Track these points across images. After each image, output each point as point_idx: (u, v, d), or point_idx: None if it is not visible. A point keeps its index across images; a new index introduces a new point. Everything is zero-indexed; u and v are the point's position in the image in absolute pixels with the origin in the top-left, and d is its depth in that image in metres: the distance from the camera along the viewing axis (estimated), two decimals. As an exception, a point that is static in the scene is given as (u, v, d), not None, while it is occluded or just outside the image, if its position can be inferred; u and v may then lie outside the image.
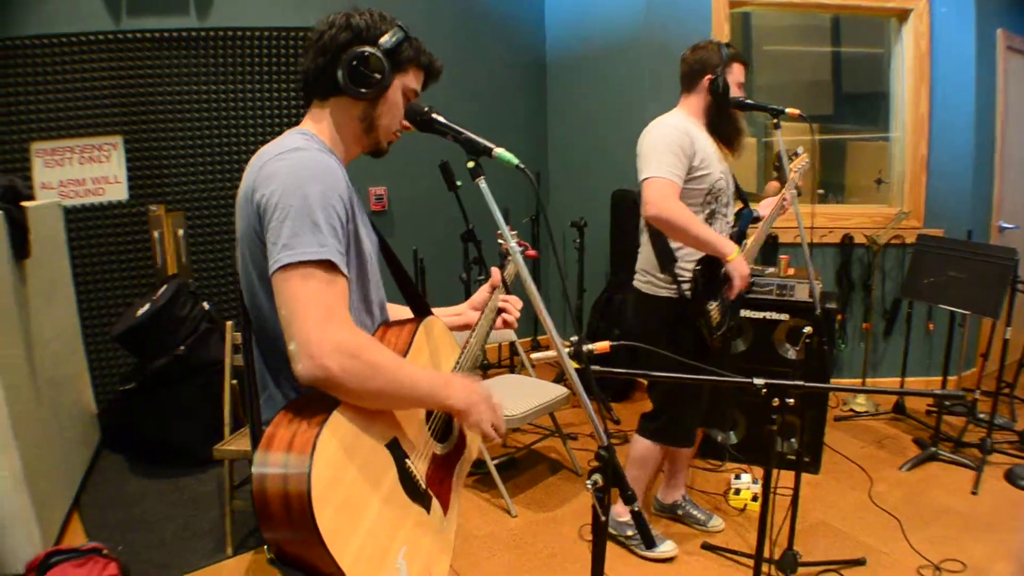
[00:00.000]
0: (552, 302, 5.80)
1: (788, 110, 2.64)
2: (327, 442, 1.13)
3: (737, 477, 3.42)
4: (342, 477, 1.14)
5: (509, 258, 1.93)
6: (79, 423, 3.69)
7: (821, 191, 4.83)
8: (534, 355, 1.66)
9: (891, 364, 4.76)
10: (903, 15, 4.55)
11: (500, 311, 1.77)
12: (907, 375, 4.66)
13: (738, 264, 2.59)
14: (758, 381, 1.56)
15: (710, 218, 2.70)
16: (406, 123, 1.48)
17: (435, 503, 1.41)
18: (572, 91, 5.43)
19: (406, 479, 1.31)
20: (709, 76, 2.66)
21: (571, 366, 1.38)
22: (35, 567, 2.43)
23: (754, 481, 3.37)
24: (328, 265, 1.19)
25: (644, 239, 2.81)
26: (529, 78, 5.60)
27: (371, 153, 1.50)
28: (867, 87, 5.00)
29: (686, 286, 2.65)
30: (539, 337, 5.79)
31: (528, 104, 5.63)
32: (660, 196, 2.51)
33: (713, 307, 2.66)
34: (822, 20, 4.94)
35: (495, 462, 3.47)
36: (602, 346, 1.56)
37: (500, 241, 2.04)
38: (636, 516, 1.32)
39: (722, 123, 2.71)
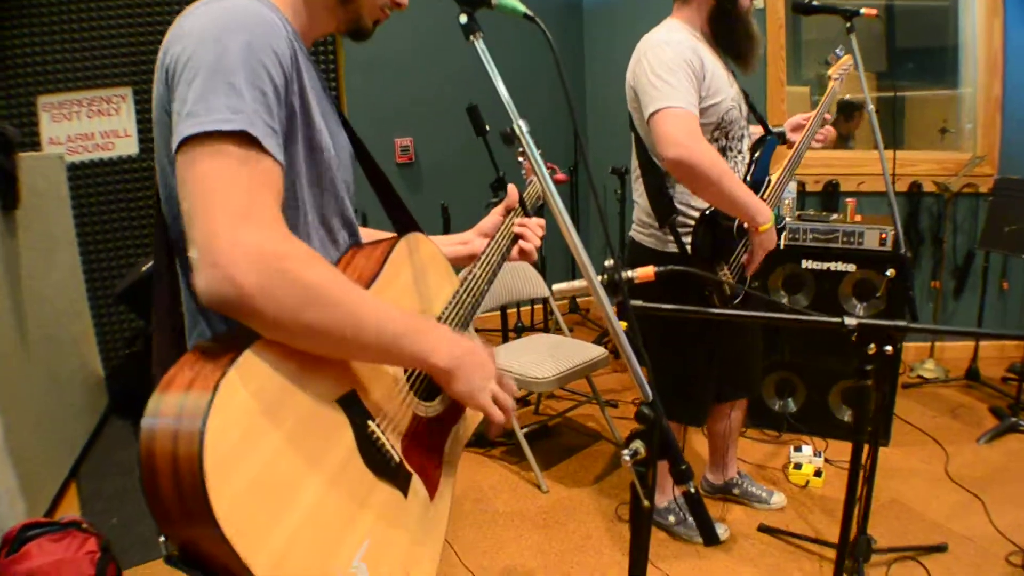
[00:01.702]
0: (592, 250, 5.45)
1: (864, 10, 2.18)
2: (233, 390, 0.80)
3: (797, 450, 3.04)
4: (257, 441, 0.82)
5: (532, 176, 1.59)
6: (83, 387, 3.49)
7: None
8: (557, 285, 1.31)
9: (964, 325, 4.29)
10: None
11: (517, 237, 1.42)
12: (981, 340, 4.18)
13: (767, 237, 2.15)
14: (849, 321, 1.20)
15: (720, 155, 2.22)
16: None
17: (416, 482, 1.08)
18: (609, 33, 5.04)
19: (369, 449, 0.98)
20: None
21: (604, 296, 1.03)
22: (9, 540, 2.20)
23: (816, 454, 3.00)
24: (246, 140, 0.86)
25: (637, 184, 2.34)
26: (564, 21, 5.20)
27: (351, 33, 1.15)
28: (925, 41, 4.57)
29: (688, 242, 2.21)
30: (578, 299, 5.44)
31: (564, 50, 5.22)
32: (685, 132, 2.01)
33: (725, 271, 2.21)
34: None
35: (524, 431, 3.15)
36: (646, 272, 1.21)
37: (520, 157, 1.69)
38: (692, 501, 0.98)
39: (732, 33, 2.20)
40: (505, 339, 3.90)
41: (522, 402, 3.88)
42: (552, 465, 3.22)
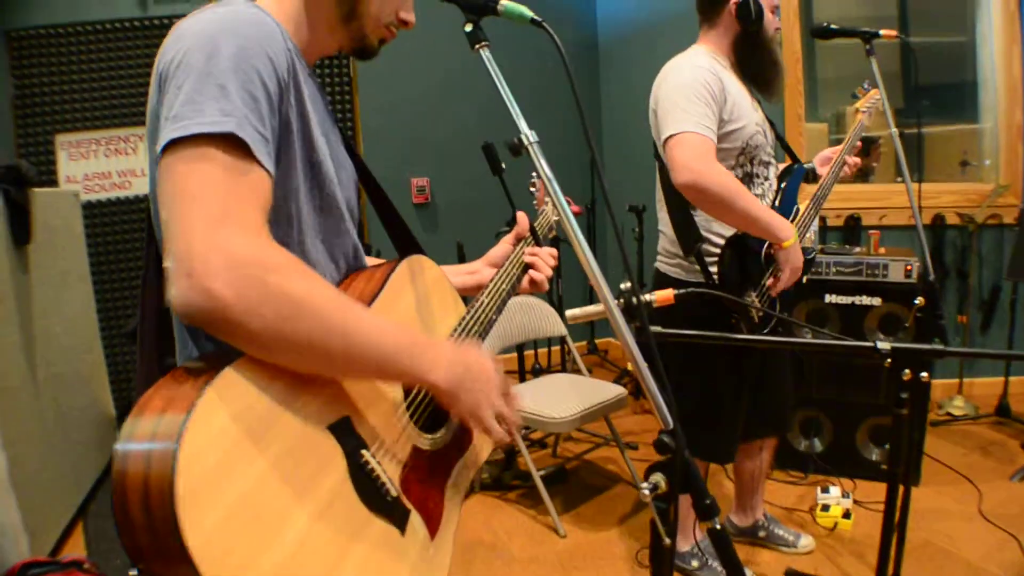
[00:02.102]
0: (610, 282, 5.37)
1: (883, 32, 2.14)
2: (212, 409, 0.74)
3: (824, 491, 2.91)
4: (237, 467, 0.75)
5: (544, 207, 1.54)
6: (93, 425, 3.43)
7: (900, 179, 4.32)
8: (571, 311, 1.24)
9: (991, 362, 4.17)
10: None
11: (527, 267, 1.36)
12: (1011, 374, 4.01)
13: (793, 253, 2.07)
14: (883, 345, 1.12)
15: (745, 183, 2.16)
16: (405, 14, 1.10)
17: (415, 519, 1.00)
18: (625, 71, 5.03)
19: (363, 481, 0.91)
20: (735, 0, 2.14)
21: (621, 319, 0.98)
22: (9, 580, 2.15)
23: (844, 495, 2.87)
24: (233, 144, 0.81)
25: (662, 213, 2.29)
26: (580, 59, 5.21)
27: (355, 52, 1.10)
28: (943, 77, 4.52)
29: (715, 270, 2.14)
30: (596, 340, 5.35)
31: (580, 89, 5.20)
32: (695, 156, 1.97)
33: (753, 298, 2.13)
34: (889, 10, 4.55)
35: (541, 473, 3.06)
36: (665, 295, 1.14)
37: (532, 187, 1.64)
38: (718, 539, 0.90)
39: (757, 59, 2.17)
40: (522, 379, 3.82)
41: (539, 444, 3.79)
42: (570, 509, 3.10)
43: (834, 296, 3.11)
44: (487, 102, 1.01)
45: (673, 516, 0.90)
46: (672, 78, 2.10)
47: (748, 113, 2.14)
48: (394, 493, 0.96)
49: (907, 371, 1.13)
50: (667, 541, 0.91)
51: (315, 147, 0.99)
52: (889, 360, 1.13)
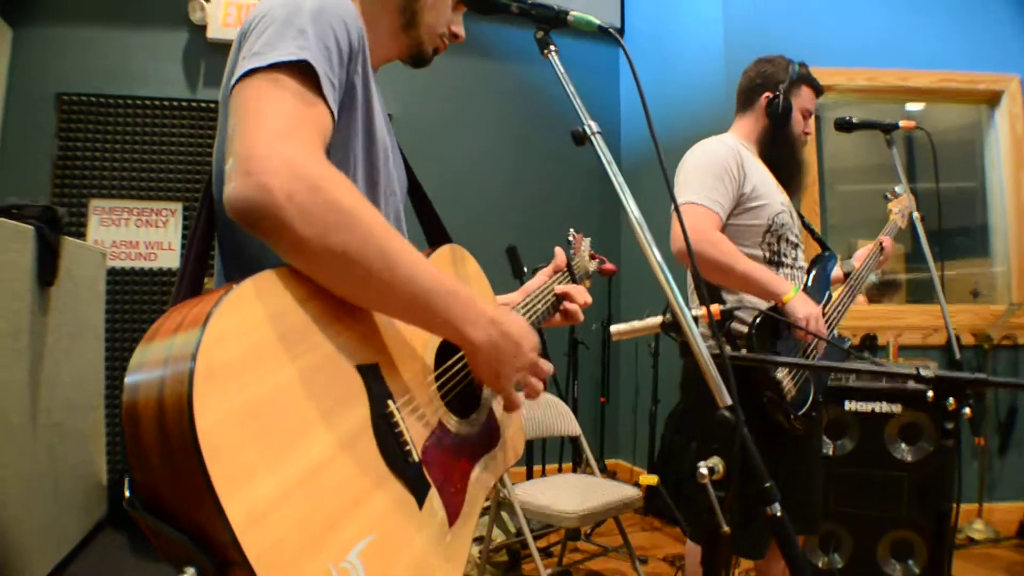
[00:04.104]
0: (621, 413, 5.28)
1: (903, 123, 2.21)
2: (247, 300, 0.71)
3: (845, 611, 2.73)
4: (264, 364, 0.70)
5: (579, 253, 1.55)
6: (83, 485, 3.31)
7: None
8: (617, 327, 1.20)
9: (1011, 485, 4.06)
10: (994, 98, 4.26)
11: (562, 298, 1.35)
12: None
13: (798, 303, 2.02)
14: (925, 372, 1.08)
15: (772, 265, 2.15)
16: (456, 28, 1.17)
17: (435, 497, 0.93)
18: (648, 192, 5.11)
19: (385, 434, 0.85)
20: (768, 94, 2.21)
21: (696, 331, 1.02)
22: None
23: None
24: (305, 75, 0.85)
25: (692, 296, 2.28)
26: (603, 180, 5.27)
27: (411, 59, 1.17)
28: (953, 222, 4.65)
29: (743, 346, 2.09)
30: (606, 460, 5.14)
31: (602, 207, 5.33)
32: (690, 226, 2.00)
33: (784, 375, 2.05)
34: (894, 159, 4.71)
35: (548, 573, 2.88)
36: (712, 310, 1.11)
37: (570, 237, 1.65)
38: (778, 527, 0.84)
39: (778, 153, 2.23)
40: (529, 475, 3.68)
41: (544, 553, 3.60)
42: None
43: (854, 403, 3.03)
44: (515, 218, 1.03)
45: (731, 502, 0.83)
46: (696, 151, 2.17)
47: (773, 192, 2.17)
48: (416, 459, 0.90)
49: (952, 400, 1.09)
50: (726, 529, 0.84)
51: (374, 122, 1.03)
52: (933, 390, 1.10)
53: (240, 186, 0.75)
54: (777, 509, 0.84)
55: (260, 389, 0.69)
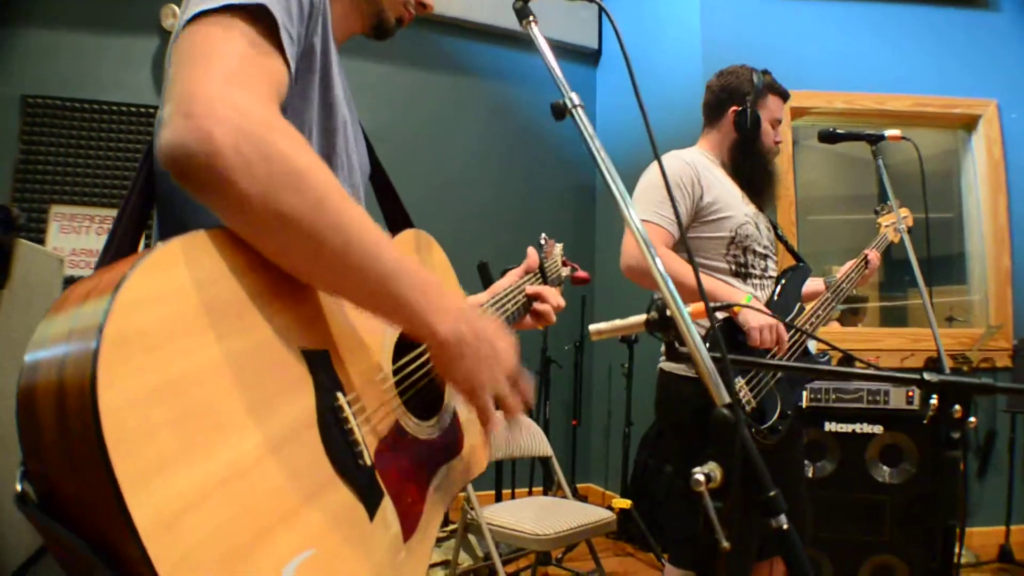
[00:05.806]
0: (593, 436, 5.17)
1: (888, 133, 2.16)
2: (172, 261, 0.61)
3: (824, 642, 2.64)
4: (185, 337, 0.60)
5: (551, 257, 1.46)
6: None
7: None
8: (595, 326, 1.09)
9: (991, 509, 4.00)
10: (971, 122, 4.27)
11: (533, 298, 1.25)
12: (1012, 522, 3.85)
13: (751, 313, 1.95)
14: (929, 376, 1.00)
15: (739, 277, 2.10)
16: None
17: (389, 509, 0.82)
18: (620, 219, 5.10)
19: (332, 432, 0.74)
20: (735, 107, 2.16)
21: (694, 328, 0.91)
22: None
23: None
24: (262, 22, 0.74)
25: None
26: (577, 202, 5.31)
27: (373, 30, 1.08)
28: (925, 252, 4.66)
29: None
30: (577, 484, 5.02)
31: (576, 228, 5.29)
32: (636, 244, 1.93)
33: (740, 385, 1.96)
34: (868, 189, 4.72)
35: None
36: (697, 308, 1.02)
37: (542, 241, 1.57)
38: (785, 540, 0.76)
39: (749, 166, 2.17)
40: (499, 498, 3.56)
41: (511, 579, 3.47)
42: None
43: (833, 424, 2.96)
44: (489, 235, 0.94)
45: (730, 512, 0.74)
46: (649, 171, 2.16)
47: (736, 204, 2.12)
48: (368, 462, 0.79)
49: (958, 407, 1.00)
50: (725, 545, 0.74)
51: (333, 93, 0.94)
52: (936, 395, 1.01)
53: (179, 129, 0.65)
54: (784, 521, 0.74)
55: (180, 366, 0.59)
